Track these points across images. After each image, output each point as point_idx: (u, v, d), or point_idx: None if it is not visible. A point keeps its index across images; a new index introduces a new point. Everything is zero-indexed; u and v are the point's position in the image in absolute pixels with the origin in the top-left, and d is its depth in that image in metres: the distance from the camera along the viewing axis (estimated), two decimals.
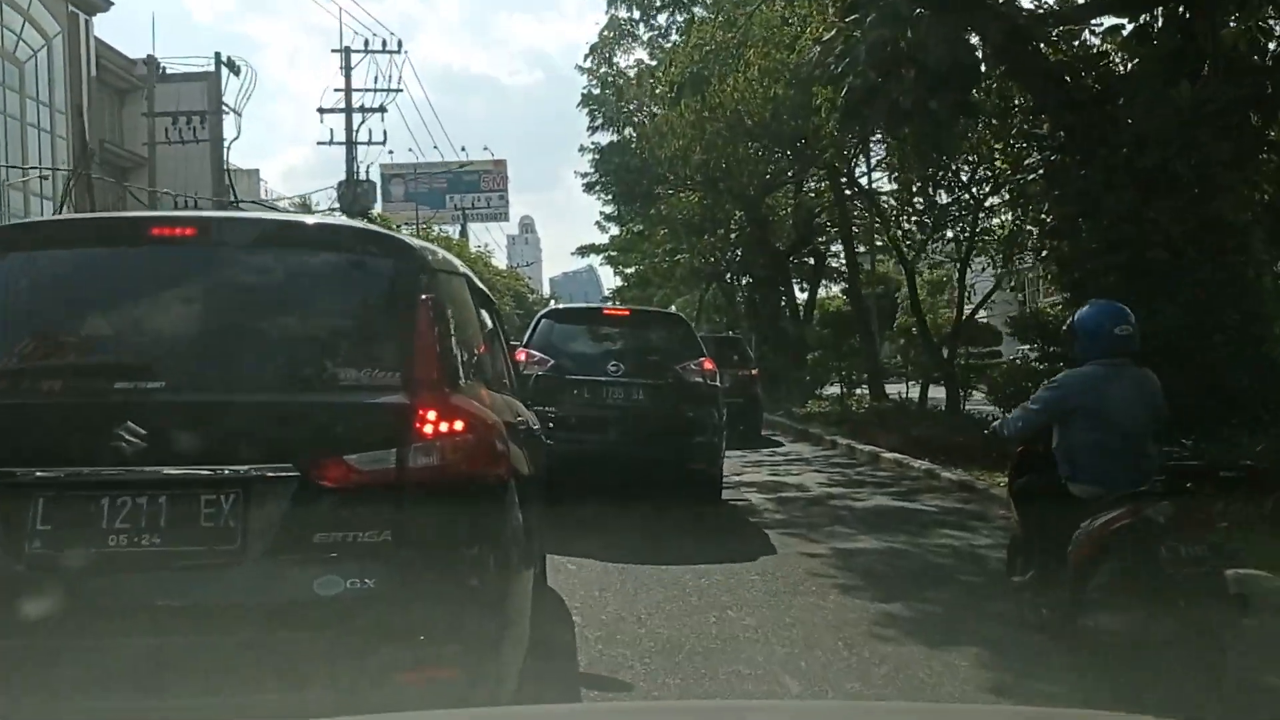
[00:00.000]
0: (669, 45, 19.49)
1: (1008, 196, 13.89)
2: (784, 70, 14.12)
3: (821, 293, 27.86)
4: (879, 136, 15.93)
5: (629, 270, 39.14)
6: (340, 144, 27.96)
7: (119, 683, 2.71)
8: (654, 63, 19.94)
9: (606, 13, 21.04)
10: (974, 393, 16.15)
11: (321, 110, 28.50)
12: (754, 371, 17.33)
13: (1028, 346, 13.75)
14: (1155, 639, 3.88)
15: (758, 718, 2.36)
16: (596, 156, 25.94)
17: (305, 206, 30.44)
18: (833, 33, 10.38)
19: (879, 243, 19.98)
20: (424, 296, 3.12)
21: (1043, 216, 11.15)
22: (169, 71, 27.51)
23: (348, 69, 28.12)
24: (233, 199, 25.54)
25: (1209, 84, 8.90)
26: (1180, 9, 9.50)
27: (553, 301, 56.03)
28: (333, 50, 28.98)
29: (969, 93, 10.26)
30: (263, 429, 2.93)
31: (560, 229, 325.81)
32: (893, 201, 18.03)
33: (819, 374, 22.44)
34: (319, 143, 28.45)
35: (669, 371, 8.63)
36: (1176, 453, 6.74)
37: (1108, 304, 4.91)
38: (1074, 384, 4.62)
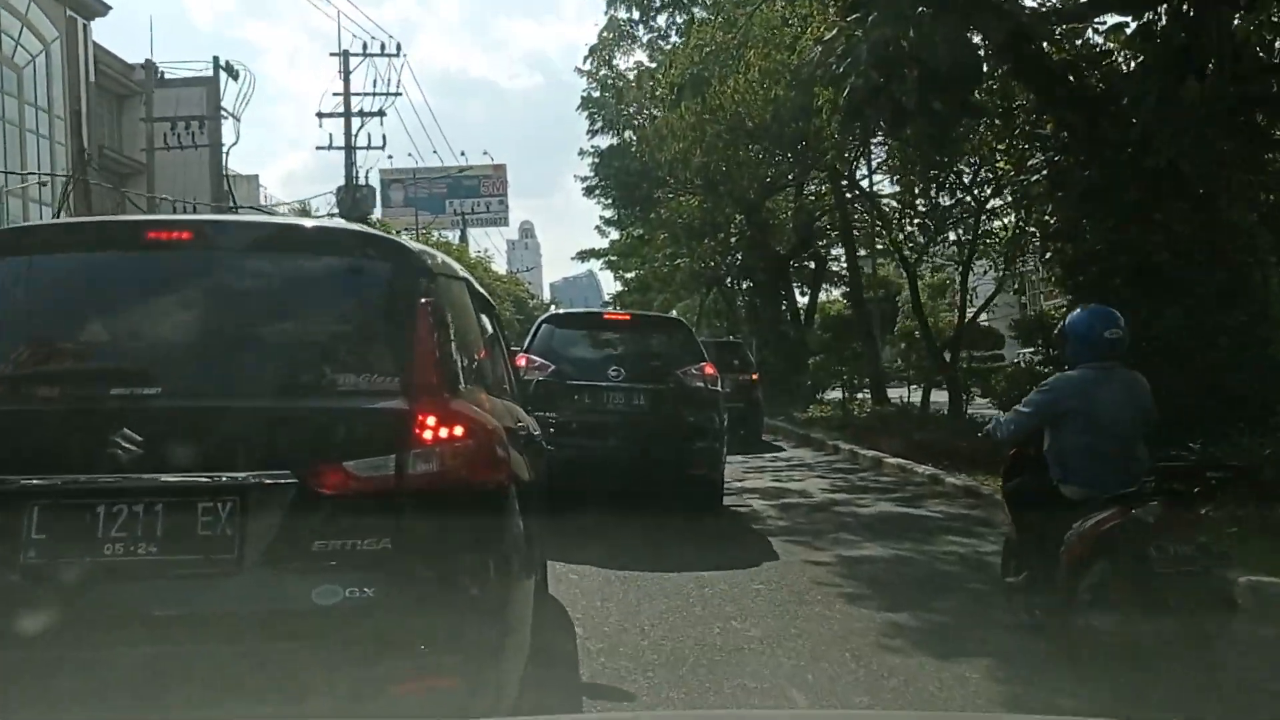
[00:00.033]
0: (668, 47, 19.41)
1: (1010, 198, 13.79)
2: (784, 71, 14.03)
3: (821, 297, 27.80)
4: (880, 138, 15.88)
5: (629, 275, 39.06)
6: (339, 149, 27.90)
7: (115, 694, 2.67)
8: (653, 65, 19.86)
9: (606, 13, 21.00)
10: (976, 397, 16.05)
11: (320, 115, 28.44)
12: (754, 376, 17.26)
13: (1030, 350, 13.67)
14: (1146, 638, 3.95)
15: None
16: (596, 160, 25.89)
17: (305, 212, 30.33)
18: (834, 32, 10.28)
19: (880, 246, 19.88)
20: (423, 300, 3.08)
21: (1046, 218, 11.06)
22: (168, 76, 27.45)
23: (346, 73, 28.07)
24: (232, 205, 25.45)
25: (1217, 82, 8.80)
26: (1185, 7, 9.41)
27: (553, 306, 55.93)
28: (331, 54, 28.90)
29: (972, 92, 10.16)
30: (260, 435, 2.89)
31: (560, 234, 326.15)
32: (894, 204, 17.96)
33: (820, 378, 22.35)
34: (318, 148, 28.29)
35: (670, 376, 8.57)
36: (1180, 455, 6.87)
37: (1098, 308, 4.99)
38: (1065, 387, 4.68)
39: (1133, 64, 10.59)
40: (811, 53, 11.23)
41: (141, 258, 3.20)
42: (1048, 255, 11.20)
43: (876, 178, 18.61)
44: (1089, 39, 11.38)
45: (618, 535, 7.06)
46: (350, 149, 27.62)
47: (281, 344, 3.09)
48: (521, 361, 7.76)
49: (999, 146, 12.24)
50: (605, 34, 20.67)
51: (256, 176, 39.90)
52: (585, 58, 22.36)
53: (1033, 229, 12.34)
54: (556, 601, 5.34)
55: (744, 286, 29.54)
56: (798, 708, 3.94)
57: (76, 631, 2.66)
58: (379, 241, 3.35)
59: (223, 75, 25.31)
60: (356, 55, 28.45)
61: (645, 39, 21.29)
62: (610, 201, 27.77)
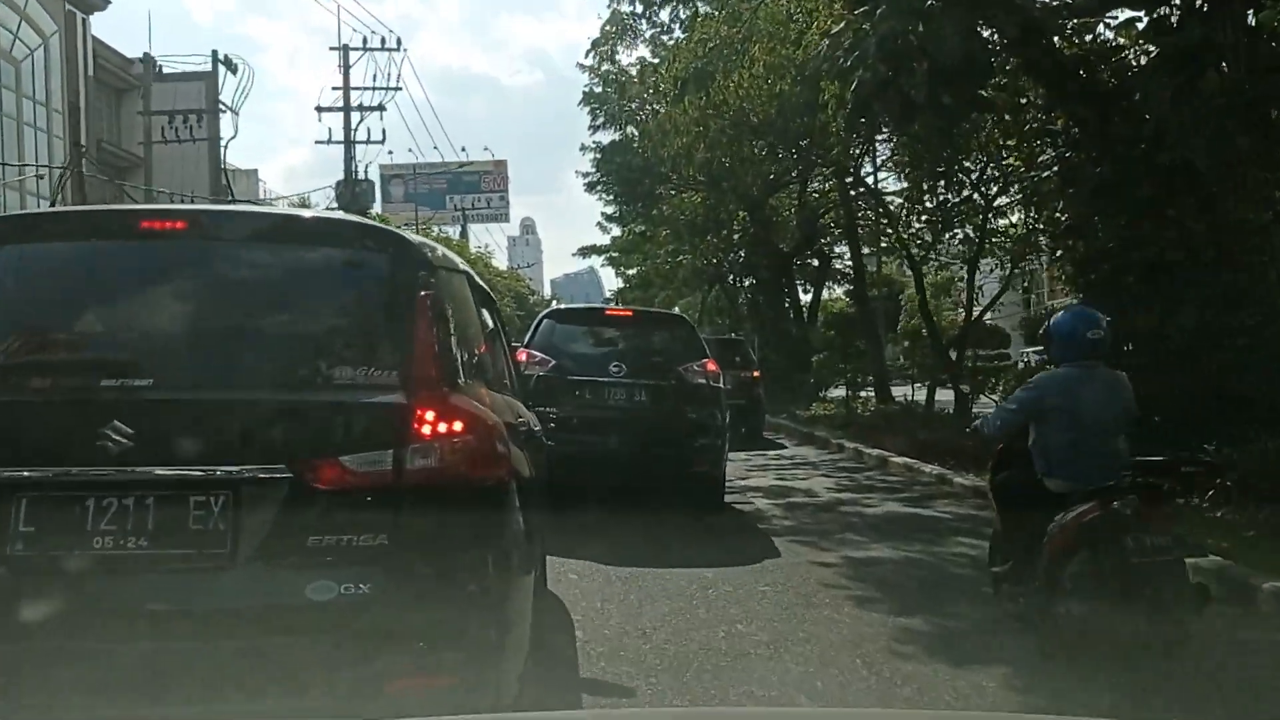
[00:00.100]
0: (671, 42, 19.22)
1: (1019, 195, 13.61)
2: (789, 66, 13.89)
3: (824, 295, 27.62)
4: (885, 135, 15.72)
5: (630, 272, 38.88)
6: (339, 143, 27.75)
7: (105, 689, 2.63)
8: (656, 60, 19.68)
9: (609, 6, 20.78)
10: (981, 396, 15.87)
11: (320, 109, 28.29)
12: (756, 373, 17.22)
13: (1036, 349, 13.48)
14: (1121, 626, 4.10)
15: None
16: (598, 156, 25.69)
17: (304, 205, 30.17)
18: (841, 26, 10.14)
19: (884, 244, 19.71)
20: (423, 293, 3.02)
21: (1057, 215, 10.88)
22: (167, 71, 27.33)
23: (346, 67, 27.93)
24: (230, 199, 25.29)
25: (1232, 76, 8.62)
26: (1199, 1, 9.23)
27: (554, 303, 55.77)
28: (331, 48, 28.73)
29: (982, 87, 10.01)
30: (254, 429, 2.85)
31: (561, 231, 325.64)
32: (899, 201, 17.79)
33: (823, 376, 22.16)
34: (317, 141, 28.44)
35: (671, 373, 8.51)
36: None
37: (1081, 309, 5.27)
38: (1049, 385, 4.86)
39: (1143, 59, 10.42)
40: (818, 47, 11.09)
41: (135, 247, 3.14)
42: (1058, 253, 11.01)
43: (881, 175, 18.46)
44: (1100, 34, 11.20)
45: (618, 533, 6.95)
46: (349, 143, 27.48)
47: (277, 336, 3.04)
48: (522, 356, 7.72)
49: (1009, 142, 12.05)
50: (608, 28, 20.47)
51: (255, 171, 39.92)
52: (587, 52, 22.21)
53: (1042, 226, 12.15)
54: (557, 603, 5.20)
55: (746, 284, 29.37)
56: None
57: (65, 626, 2.62)
58: (378, 233, 3.29)
59: (221, 69, 25.19)
60: (356, 49, 28.33)
61: (648, 34, 21.12)
62: (612, 198, 27.58)
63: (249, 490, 2.71)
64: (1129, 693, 3.99)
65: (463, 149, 53.91)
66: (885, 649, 4.57)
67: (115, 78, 29.32)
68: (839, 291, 29.47)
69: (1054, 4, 10.94)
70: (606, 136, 24.94)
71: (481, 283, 4.39)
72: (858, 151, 16.37)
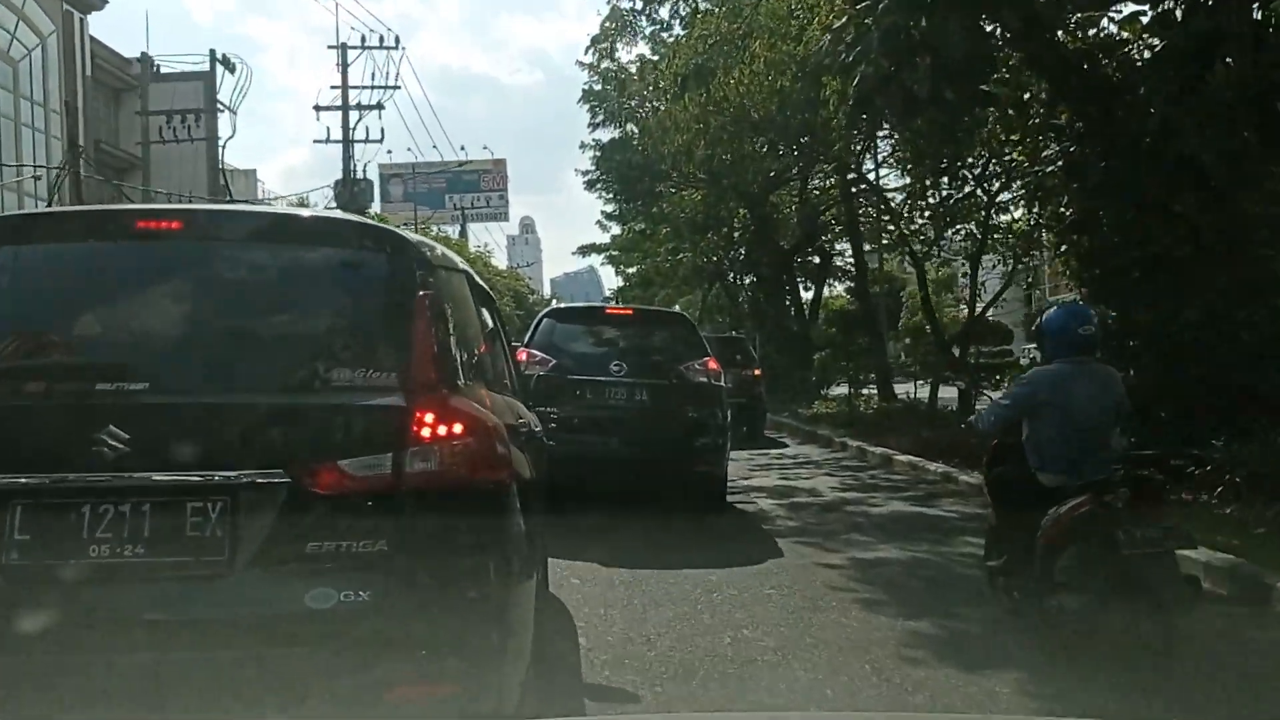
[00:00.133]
0: (671, 39, 19.11)
1: (1022, 191, 13.51)
2: (790, 62, 13.78)
3: (825, 292, 27.51)
4: (887, 131, 15.61)
5: (630, 270, 38.76)
6: (337, 142, 27.66)
7: (102, 700, 2.59)
8: (656, 57, 19.58)
9: (608, 3, 20.61)
10: (985, 394, 15.78)
11: (318, 108, 28.21)
12: (757, 371, 17.17)
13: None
14: (1113, 618, 4.19)
15: None
16: (598, 153, 25.56)
17: (303, 205, 30.07)
18: (843, 20, 10.02)
19: (886, 241, 19.61)
20: (422, 293, 2.97)
21: (1061, 210, 10.78)
22: (165, 70, 27.20)
23: (344, 65, 27.84)
24: (228, 198, 25.20)
25: (1239, 69, 8.52)
26: None
27: (554, 302, 55.66)
28: (329, 46, 28.64)
29: (985, 82, 9.90)
30: (252, 433, 2.80)
31: (561, 231, 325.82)
32: (901, 198, 17.70)
33: (825, 374, 22.07)
34: (315, 141, 28.24)
35: (672, 372, 8.47)
36: (1181, 451, 7.02)
37: (1072, 306, 5.45)
38: (1042, 381, 4.92)
39: (1146, 54, 10.31)
40: (820, 42, 10.99)
41: (130, 248, 3.09)
42: (1062, 248, 10.91)
43: (883, 171, 18.36)
44: (1104, 28, 11.07)
45: (621, 535, 6.87)
46: (348, 142, 27.38)
47: (274, 338, 2.99)
48: (522, 356, 7.66)
49: (1012, 137, 11.94)
50: (608, 24, 20.35)
51: (254, 171, 39.69)
52: (587, 49, 22.08)
53: (1045, 221, 12.04)
54: (559, 608, 5.12)
55: (747, 282, 29.27)
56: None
57: (60, 635, 2.58)
58: (376, 232, 3.23)
59: (219, 69, 25.07)
60: (355, 48, 28.24)
61: (648, 31, 21.00)
62: (612, 195, 27.45)
63: (246, 496, 2.66)
64: (1144, 696, 3.92)
65: (462, 148, 53.87)
66: (894, 654, 4.48)
67: (113, 78, 29.19)
68: (840, 289, 29.37)
69: None
70: (606, 134, 24.87)
71: (481, 282, 4.33)
72: (859, 148, 16.25)
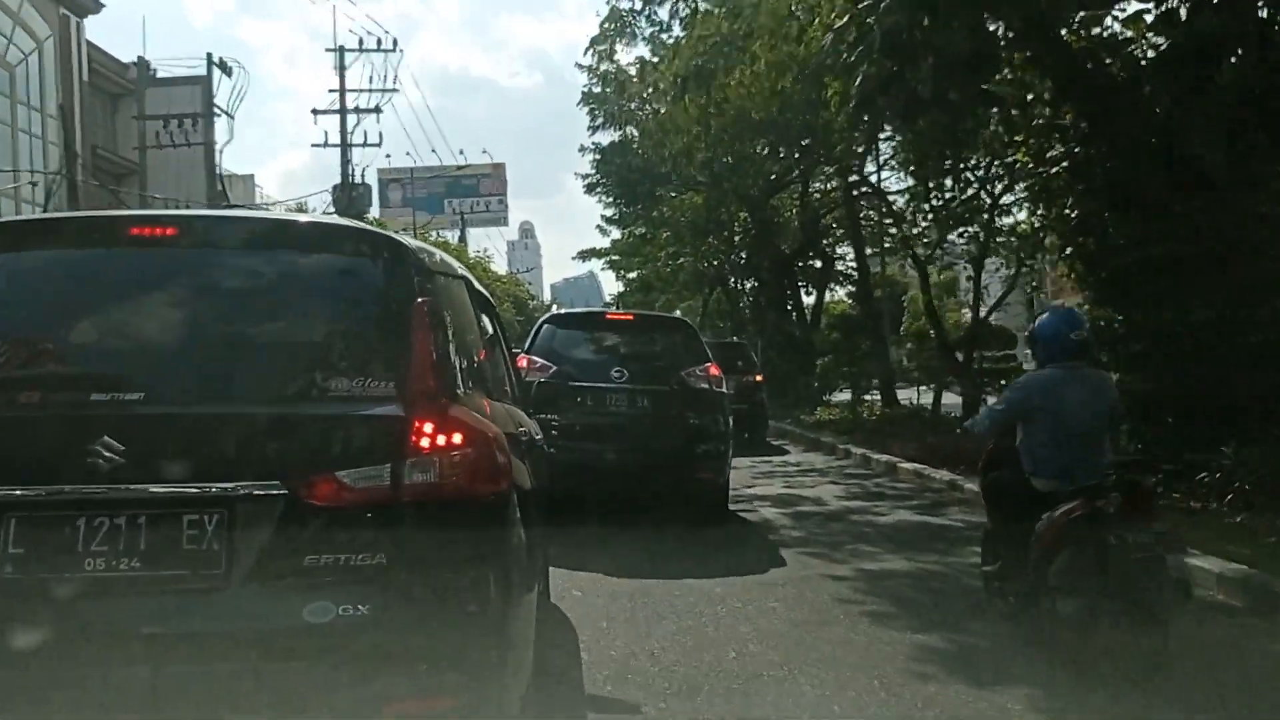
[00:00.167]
0: (671, 41, 19.00)
1: (1026, 193, 13.39)
2: (792, 63, 13.65)
3: (826, 296, 27.39)
4: (888, 133, 15.50)
5: (631, 275, 38.64)
6: (335, 146, 27.55)
7: (96, 715, 2.57)
8: (655, 59, 19.47)
9: (608, 3, 20.47)
10: (990, 399, 15.66)
11: (316, 111, 28.11)
12: (758, 377, 17.03)
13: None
14: (1103, 620, 4.21)
15: None
16: (598, 157, 25.45)
17: (301, 210, 29.97)
18: (845, 20, 9.91)
19: (888, 244, 19.50)
20: (420, 300, 2.94)
21: (1066, 212, 10.64)
22: (163, 74, 27.13)
23: (342, 68, 27.77)
24: (226, 203, 25.10)
25: (1244, 68, 8.40)
26: None
27: (554, 307, 55.57)
28: (327, 49, 28.58)
29: (989, 82, 9.79)
30: (248, 444, 2.77)
31: (561, 235, 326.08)
32: (902, 201, 17.59)
33: (828, 380, 21.94)
34: (313, 145, 28.00)
35: (674, 378, 8.38)
36: (1172, 455, 7.45)
37: (1064, 311, 5.45)
38: (1035, 386, 4.97)
39: (1150, 53, 10.20)
40: (821, 43, 10.87)
41: (124, 255, 3.05)
42: (1067, 250, 10.78)
43: (884, 174, 18.27)
44: (1108, 27, 10.96)
45: (622, 545, 6.78)
46: (346, 146, 27.28)
47: (270, 347, 2.95)
48: (523, 362, 7.58)
49: (1016, 138, 11.81)
50: (607, 25, 20.24)
51: (252, 176, 39.69)
52: (586, 49, 21.95)
53: (1050, 223, 11.90)
54: (560, 621, 5.00)
55: (748, 286, 29.17)
56: None
57: (55, 650, 2.55)
58: (373, 238, 3.17)
59: (216, 72, 24.98)
60: (353, 51, 28.16)
61: (647, 33, 20.88)
62: (612, 199, 27.34)
63: (243, 508, 2.63)
64: (1156, 713, 3.83)
65: (461, 151, 53.90)
66: (904, 670, 4.34)
67: (110, 82, 29.10)
68: (841, 293, 29.27)
69: None
70: (606, 137, 24.74)
71: (481, 288, 4.26)
72: (860, 149, 16.14)
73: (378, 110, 27.81)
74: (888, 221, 18.64)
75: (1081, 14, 10.44)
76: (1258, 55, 8.45)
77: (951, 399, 16.61)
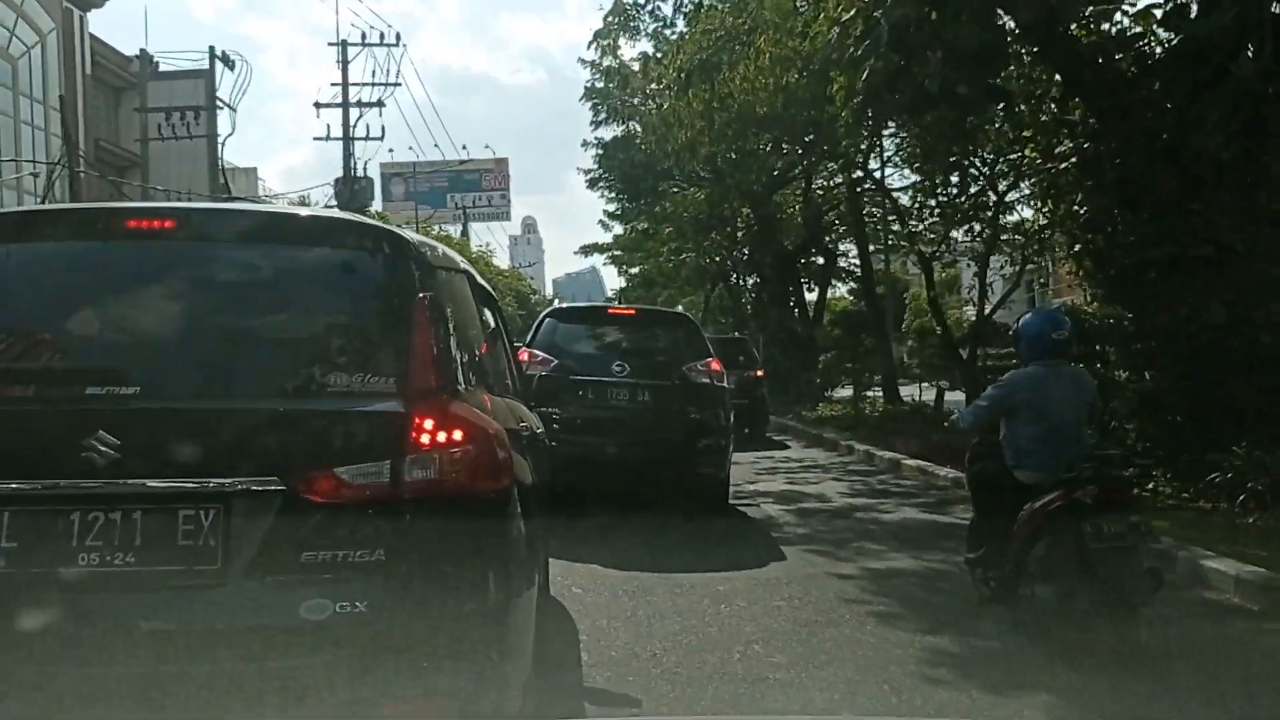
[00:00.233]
0: (674, 36, 18.89)
1: (1032, 189, 13.26)
2: (796, 58, 13.54)
3: (829, 293, 27.28)
4: (893, 130, 15.38)
5: (633, 271, 38.55)
6: (337, 139, 27.47)
7: (90, 711, 2.54)
8: (659, 55, 19.37)
9: None
10: None
11: (318, 105, 28.04)
12: (759, 372, 16.98)
13: None
14: (1079, 606, 4.44)
15: None
16: (600, 152, 25.34)
17: (303, 204, 29.89)
18: (852, 13, 9.79)
19: (891, 241, 19.38)
20: (421, 295, 2.91)
21: (1075, 208, 10.52)
22: (165, 68, 27.01)
23: (344, 62, 27.66)
24: (228, 196, 25.01)
25: (1258, 62, 8.26)
26: None
27: (556, 302, 55.47)
28: (329, 43, 28.48)
29: (998, 75, 9.67)
30: (246, 439, 2.75)
31: (563, 231, 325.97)
32: (907, 199, 17.46)
33: (830, 376, 21.83)
34: (316, 138, 28.07)
35: (675, 373, 8.37)
36: (1147, 450, 7.79)
37: (1047, 312, 5.93)
38: (1018, 382, 5.15)
39: (1158, 50, 10.07)
40: (827, 37, 10.75)
41: (120, 248, 3.01)
42: (1075, 248, 10.66)
43: (888, 170, 18.13)
44: (1118, 21, 10.83)
45: (624, 541, 6.70)
46: (348, 139, 27.18)
47: (269, 341, 2.92)
48: (524, 356, 7.56)
49: (1025, 134, 11.69)
50: (610, 18, 20.12)
51: (255, 169, 39.59)
52: (590, 43, 21.83)
53: (1058, 220, 11.78)
54: (560, 620, 4.90)
55: (750, 282, 29.06)
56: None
57: (49, 645, 2.53)
58: (374, 231, 3.13)
59: (219, 65, 24.88)
60: (355, 45, 28.04)
61: (650, 28, 20.77)
62: (614, 194, 27.22)
63: (240, 503, 2.60)
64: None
65: (463, 147, 53.71)
66: (914, 673, 4.24)
67: (114, 75, 29.00)
68: (843, 290, 29.16)
69: None
70: (609, 132, 24.65)
71: (483, 282, 4.22)
72: (865, 145, 16.02)
73: (380, 104, 27.77)
74: (891, 218, 18.50)
75: (1090, 9, 10.34)
76: (1272, 49, 8.33)
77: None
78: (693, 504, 8.06)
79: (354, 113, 27.52)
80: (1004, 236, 15.92)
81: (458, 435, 2.75)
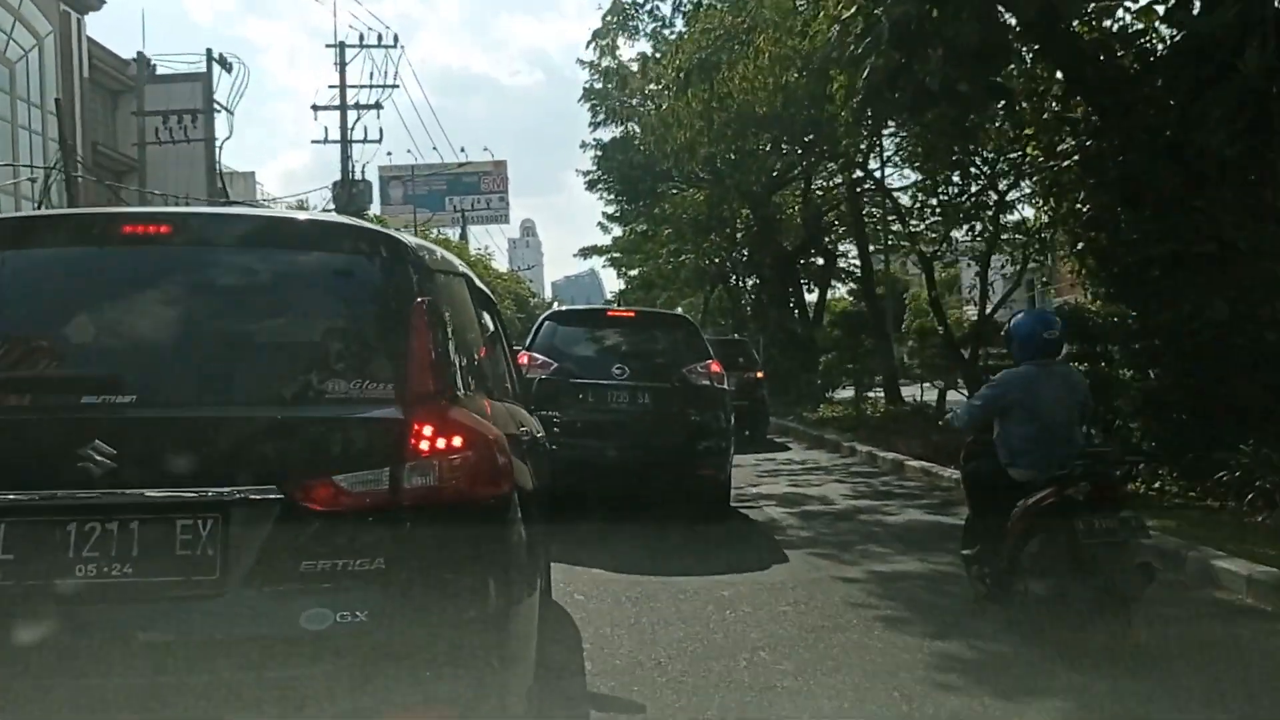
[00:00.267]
0: (673, 36, 18.83)
1: (1035, 188, 13.18)
2: (796, 58, 13.47)
3: (829, 294, 27.20)
4: (892, 129, 15.30)
5: (632, 273, 38.48)
6: (335, 142, 27.38)
7: None
8: (658, 55, 19.29)
9: None
10: None
11: (316, 107, 27.94)
12: (759, 374, 16.92)
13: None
14: (1072, 601, 4.52)
15: None
16: (599, 153, 25.27)
17: (302, 207, 29.80)
18: (852, 11, 9.72)
19: (891, 241, 19.31)
20: (419, 299, 2.88)
21: (1077, 206, 10.46)
22: (163, 71, 26.97)
23: (342, 64, 27.59)
24: (226, 200, 24.93)
25: (1263, 58, 8.19)
26: None
27: (555, 304, 55.41)
28: (327, 45, 28.40)
29: (1000, 73, 9.60)
30: (243, 447, 2.72)
31: (562, 234, 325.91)
32: (907, 199, 17.39)
33: (830, 377, 21.75)
34: (313, 141, 27.93)
35: (675, 375, 8.32)
36: (1136, 447, 7.84)
37: (1038, 312, 5.97)
38: (1010, 382, 5.25)
39: (1160, 46, 10.01)
40: (827, 35, 10.68)
41: (116, 253, 2.97)
42: (1079, 246, 10.60)
43: (887, 171, 18.06)
44: (1120, 18, 10.76)
45: (626, 545, 6.64)
46: (346, 142, 27.10)
47: (266, 348, 2.90)
48: (524, 359, 7.51)
49: (1026, 132, 11.63)
50: (609, 18, 20.04)
51: (253, 173, 39.49)
52: (588, 43, 21.74)
53: (1060, 218, 11.71)
54: (562, 626, 4.83)
55: (750, 284, 28.98)
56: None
57: (45, 657, 2.50)
58: (371, 235, 3.11)
59: (216, 68, 24.81)
60: (353, 47, 27.96)
61: (649, 28, 20.70)
62: (613, 196, 27.15)
63: (238, 512, 2.57)
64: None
65: (462, 149, 53.73)
66: (925, 679, 4.16)
67: (111, 79, 28.93)
68: (842, 290, 29.08)
69: None
70: (608, 133, 24.58)
71: (482, 285, 4.17)
72: (866, 145, 15.95)
73: (378, 106, 27.69)
74: (891, 218, 18.42)
75: (1092, 5, 10.28)
76: (1275, 47, 8.26)
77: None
78: (695, 507, 8.01)
79: (352, 115, 27.49)
80: (1004, 236, 15.85)
81: (457, 441, 2.72)
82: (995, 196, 14.53)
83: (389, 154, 66.29)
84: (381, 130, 56.31)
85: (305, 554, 2.57)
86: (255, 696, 2.49)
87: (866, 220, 19.99)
